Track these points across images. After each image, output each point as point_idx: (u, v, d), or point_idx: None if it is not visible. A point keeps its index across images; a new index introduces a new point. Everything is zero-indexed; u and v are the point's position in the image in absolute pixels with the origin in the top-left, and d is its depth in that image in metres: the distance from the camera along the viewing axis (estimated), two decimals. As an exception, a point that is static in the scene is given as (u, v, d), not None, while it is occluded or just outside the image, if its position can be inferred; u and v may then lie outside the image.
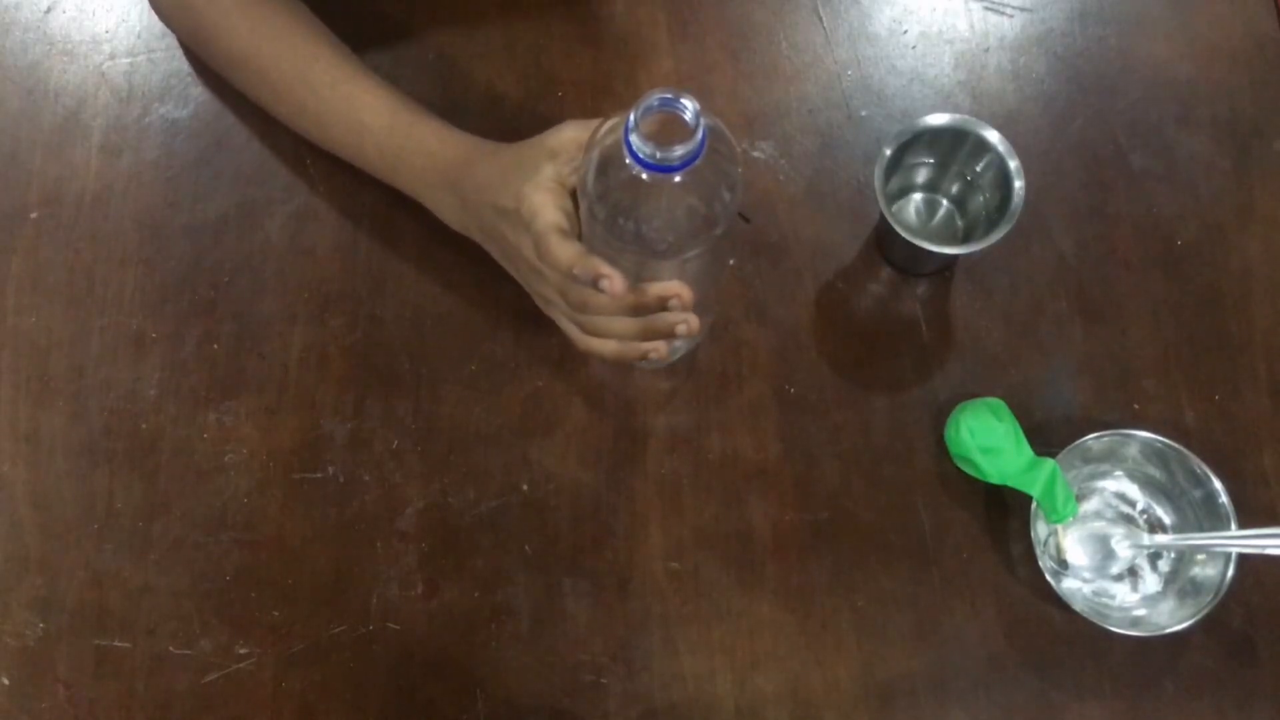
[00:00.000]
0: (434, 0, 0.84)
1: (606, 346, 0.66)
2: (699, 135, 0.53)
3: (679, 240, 0.59)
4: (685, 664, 0.71)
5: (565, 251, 0.60)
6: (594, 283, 0.59)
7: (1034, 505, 0.70)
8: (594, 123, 0.61)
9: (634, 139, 0.53)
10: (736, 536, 0.73)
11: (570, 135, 0.64)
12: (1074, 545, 0.72)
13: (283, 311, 0.77)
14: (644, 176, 0.55)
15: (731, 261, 0.78)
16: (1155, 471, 0.73)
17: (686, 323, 0.63)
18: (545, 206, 0.62)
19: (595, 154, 0.58)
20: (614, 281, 0.59)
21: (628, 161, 0.54)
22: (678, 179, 0.55)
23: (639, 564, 0.73)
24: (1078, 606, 0.68)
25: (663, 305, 0.62)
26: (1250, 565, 0.71)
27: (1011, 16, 0.85)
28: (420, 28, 0.84)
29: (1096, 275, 0.79)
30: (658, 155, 0.53)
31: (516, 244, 0.65)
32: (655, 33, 0.83)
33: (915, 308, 0.78)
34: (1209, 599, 0.67)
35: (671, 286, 0.61)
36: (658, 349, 0.65)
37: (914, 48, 0.84)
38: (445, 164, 0.70)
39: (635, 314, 0.63)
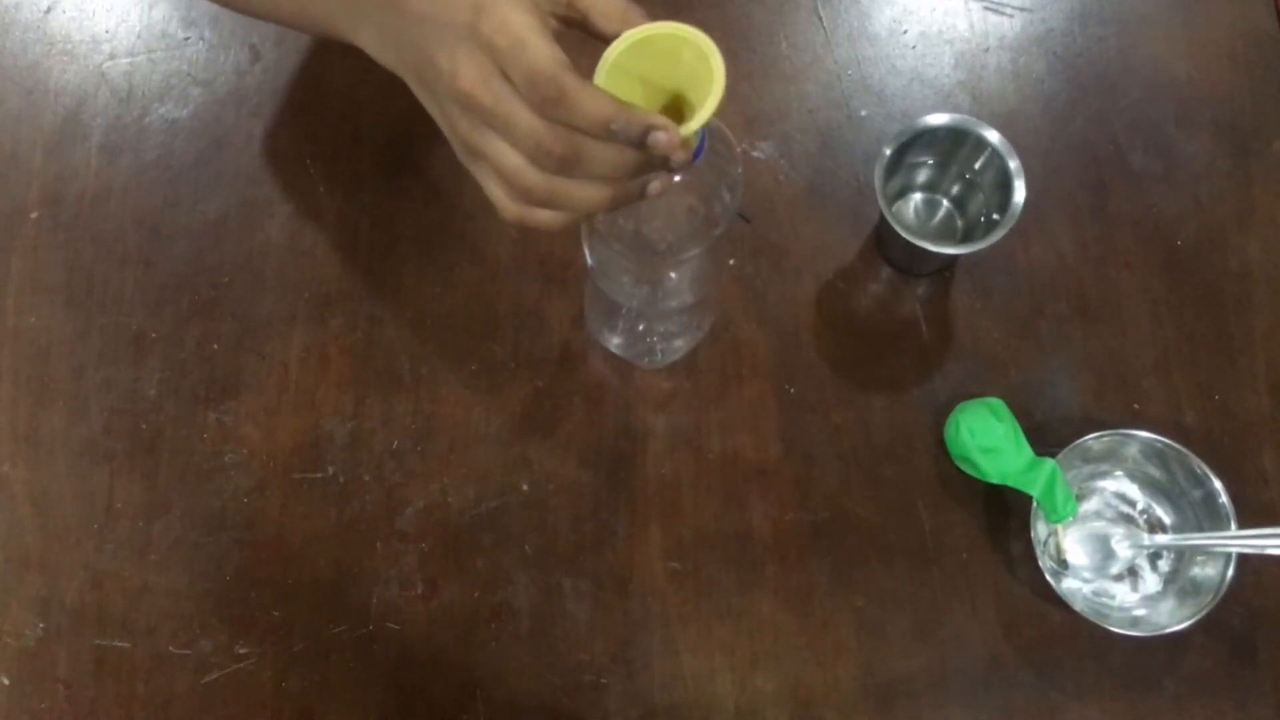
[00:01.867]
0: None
1: (550, 219, 0.53)
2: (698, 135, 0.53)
3: (678, 240, 0.59)
4: (685, 664, 0.71)
5: (601, 98, 0.48)
6: (642, 138, 0.48)
7: (1034, 505, 0.70)
8: None
9: (633, 139, 0.53)
10: (736, 536, 0.73)
11: None
12: (1074, 545, 0.72)
13: (283, 311, 0.77)
14: (644, 176, 0.55)
15: (731, 261, 0.78)
16: (1155, 471, 0.73)
17: (660, 179, 0.53)
18: (533, 29, 0.48)
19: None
20: (671, 132, 0.48)
21: (627, 162, 0.54)
22: (677, 179, 0.55)
23: (639, 564, 0.73)
24: (1078, 606, 0.68)
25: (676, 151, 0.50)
26: (1250, 565, 0.71)
27: (1011, 16, 0.85)
28: (420, 28, 0.84)
29: (1096, 275, 0.79)
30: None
31: (452, 71, 0.50)
32: (655, 33, 0.83)
33: (915, 308, 0.78)
34: (1209, 599, 0.67)
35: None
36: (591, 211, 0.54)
37: (914, 48, 0.84)
38: None
39: (630, 173, 0.52)
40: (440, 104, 0.52)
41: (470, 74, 0.49)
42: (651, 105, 0.51)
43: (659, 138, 0.48)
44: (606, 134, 0.48)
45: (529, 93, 0.48)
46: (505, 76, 0.49)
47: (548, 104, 0.48)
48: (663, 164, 0.51)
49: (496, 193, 0.53)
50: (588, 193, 0.51)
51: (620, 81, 0.50)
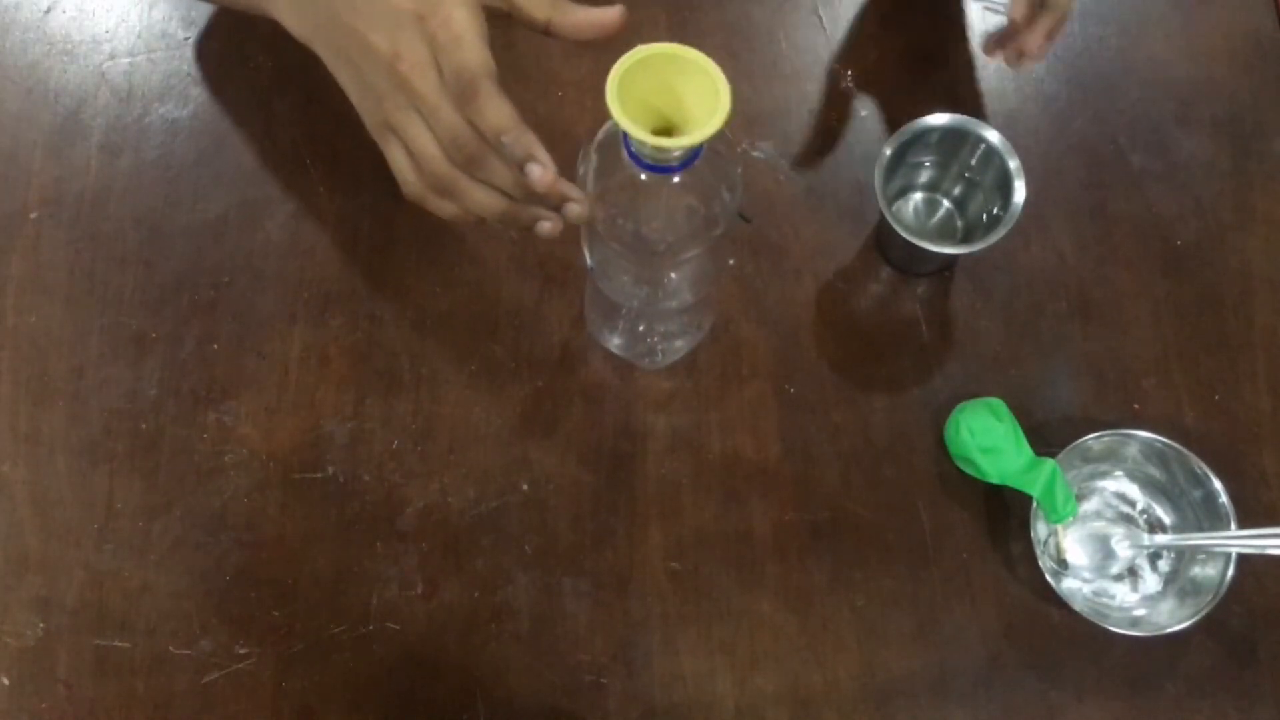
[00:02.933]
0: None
1: (446, 209, 0.58)
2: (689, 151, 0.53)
3: (678, 241, 0.59)
4: (685, 664, 0.71)
5: (504, 111, 0.53)
6: (521, 163, 0.53)
7: (1034, 505, 0.70)
8: None
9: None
10: (736, 536, 0.73)
11: None
12: (1074, 545, 0.72)
13: (283, 311, 0.77)
14: (643, 177, 0.55)
15: (731, 261, 0.78)
16: (1155, 471, 0.73)
17: (552, 222, 0.58)
18: (473, 30, 0.53)
19: (595, 154, 0.58)
20: (545, 172, 0.53)
21: (626, 162, 0.54)
22: (676, 179, 0.55)
23: (639, 564, 0.73)
24: (1078, 606, 0.68)
25: (556, 200, 0.56)
26: (1250, 565, 0.71)
27: (1011, 16, 0.85)
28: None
29: (1096, 275, 0.79)
30: (657, 156, 0.53)
31: (393, 53, 0.53)
32: (655, 33, 0.83)
33: (915, 308, 0.78)
34: (1209, 599, 0.67)
35: (572, 194, 0.56)
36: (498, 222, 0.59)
37: (914, 48, 0.84)
38: None
39: (522, 197, 0.57)
40: (365, 79, 0.56)
41: (411, 59, 0.53)
42: (652, 120, 0.53)
43: (533, 170, 0.53)
44: (498, 144, 0.54)
45: (453, 85, 0.53)
46: (438, 67, 0.54)
47: (462, 99, 0.53)
48: (552, 204, 0.56)
49: (403, 169, 0.58)
50: (482, 197, 0.56)
51: (629, 90, 0.51)
